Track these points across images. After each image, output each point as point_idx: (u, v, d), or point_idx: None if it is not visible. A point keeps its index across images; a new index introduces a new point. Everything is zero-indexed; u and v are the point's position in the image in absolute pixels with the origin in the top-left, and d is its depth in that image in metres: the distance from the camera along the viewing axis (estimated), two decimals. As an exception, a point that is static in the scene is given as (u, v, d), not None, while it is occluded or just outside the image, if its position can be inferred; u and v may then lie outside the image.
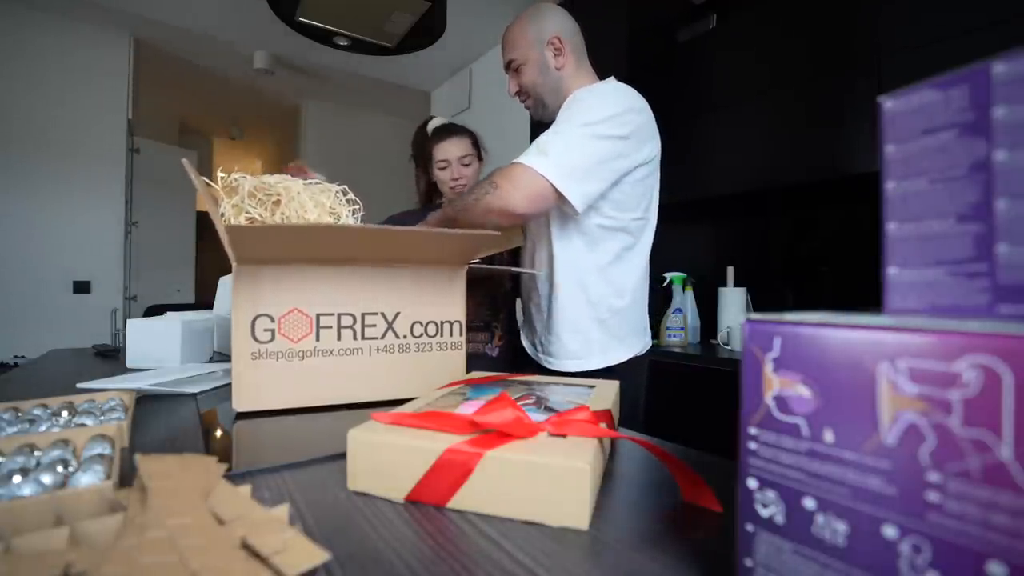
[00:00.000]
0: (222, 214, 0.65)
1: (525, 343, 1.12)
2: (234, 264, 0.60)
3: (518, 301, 1.17)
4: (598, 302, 0.96)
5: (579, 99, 0.93)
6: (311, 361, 0.64)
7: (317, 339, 0.64)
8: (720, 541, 0.31)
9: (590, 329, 0.97)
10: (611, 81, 0.99)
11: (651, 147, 0.93)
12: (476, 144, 1.30)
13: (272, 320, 0.62)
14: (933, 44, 1.15)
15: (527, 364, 1.09)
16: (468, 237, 0.67)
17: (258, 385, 0.61)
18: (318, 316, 0.64)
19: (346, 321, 0.66)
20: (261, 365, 0.61)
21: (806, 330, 0.21)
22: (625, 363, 0.98)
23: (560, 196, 0.85)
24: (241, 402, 0.60)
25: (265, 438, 0.54)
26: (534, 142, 0.89)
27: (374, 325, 0.68)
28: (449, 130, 1.26)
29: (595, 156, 0.86)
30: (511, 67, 1.02)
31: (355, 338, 0.66)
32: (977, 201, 0.21)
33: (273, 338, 0.62)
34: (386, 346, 0.68)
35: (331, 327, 0.65)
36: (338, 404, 0.65)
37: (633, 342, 1.01)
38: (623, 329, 0.99)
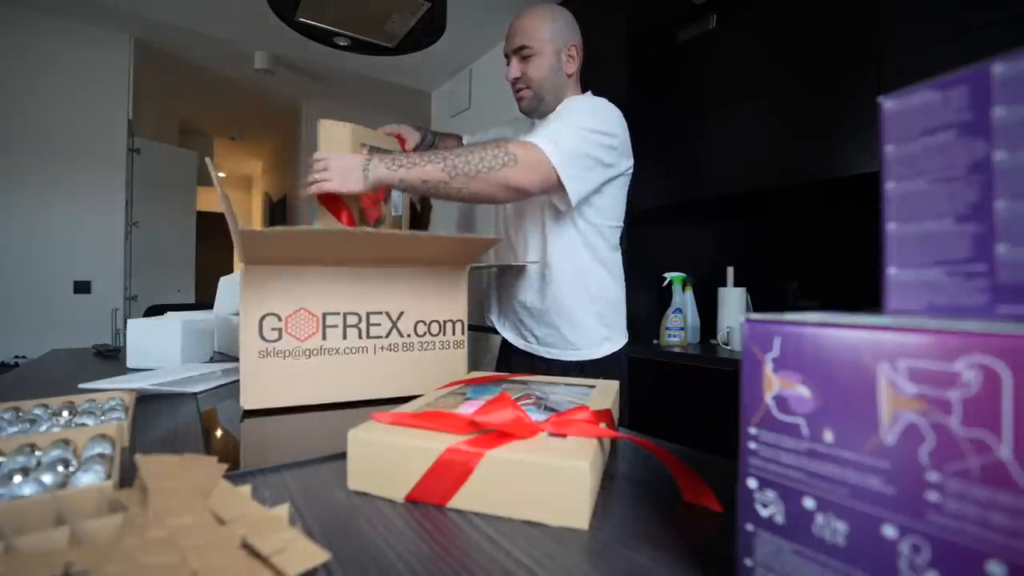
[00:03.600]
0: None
1: (509, 335, 1.12)
2: (243, 264, 0.61)
3: (492, 296, 1.18)
4: (596, 295, 1.02)
5: (576, 106, 0.97)
6: (317, 359, 0.64)
7: (323, 338, 0.65)
8: (720, 541, 0.31)
9: (587, 320, 1.02)
10: (596, 96, 1.05)
11: (629, 161, 1.01)
12: None
13: (279, 319, 0.63)
14: (933, 44, 1.15)
15: (515, 355, 1.11)
16: (472, 241, 0.68)
17: (265, 383, 0.62)
18: (324, 315, 0.65)
19: (351, 320, 0.67)
20: (268, 363, 0.62)
21: (806, 330, 0.21)
22: (617, 352, 1.04)
23: (559, 186, 0.88)
24: (249, 400, 0.61)
25: (271, 436, 0.55)
26: (541, 128, 0.92)
27: (379, 324, 0.68)
28: None
29: (593, 158, 0.91)
30: (520, 53, 1.00)
31: (360, 337, 0.67)
32: (976, 201, 0.21)
33: (280, 337, 0.63)
34: (390, 345, 0.69)
35: (337, 326, 0.66)
36: (343, 402, 0.66)
37: (621, 332, 1.08)
38: (615, 319, 1.06)
